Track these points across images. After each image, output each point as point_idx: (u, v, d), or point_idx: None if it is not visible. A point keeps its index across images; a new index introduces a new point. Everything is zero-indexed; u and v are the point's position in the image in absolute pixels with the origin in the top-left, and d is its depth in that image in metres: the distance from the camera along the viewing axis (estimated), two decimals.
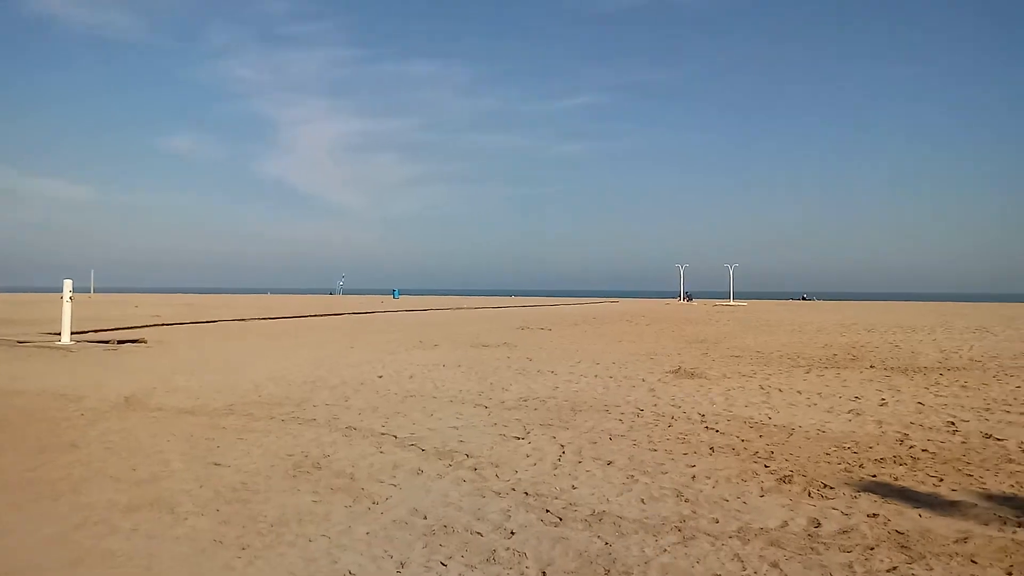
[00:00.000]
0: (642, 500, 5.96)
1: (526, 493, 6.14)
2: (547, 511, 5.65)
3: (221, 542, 4.99)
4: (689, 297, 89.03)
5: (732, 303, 75.58)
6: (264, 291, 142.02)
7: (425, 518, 5.50)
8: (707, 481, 6.53)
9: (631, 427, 8.95)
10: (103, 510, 5.64)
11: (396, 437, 8.35)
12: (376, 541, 5.01)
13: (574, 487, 6.33)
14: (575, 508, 5.73)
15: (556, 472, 6.84)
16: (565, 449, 7.77)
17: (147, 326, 28.31)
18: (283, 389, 11.95)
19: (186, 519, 5.46)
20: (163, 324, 29.96)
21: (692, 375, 13.95)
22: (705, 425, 9.07)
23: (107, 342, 20.40)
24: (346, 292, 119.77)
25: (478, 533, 5.16)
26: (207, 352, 18.74)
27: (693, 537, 5.06)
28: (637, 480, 6.56)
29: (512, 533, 5.16)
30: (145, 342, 20.57)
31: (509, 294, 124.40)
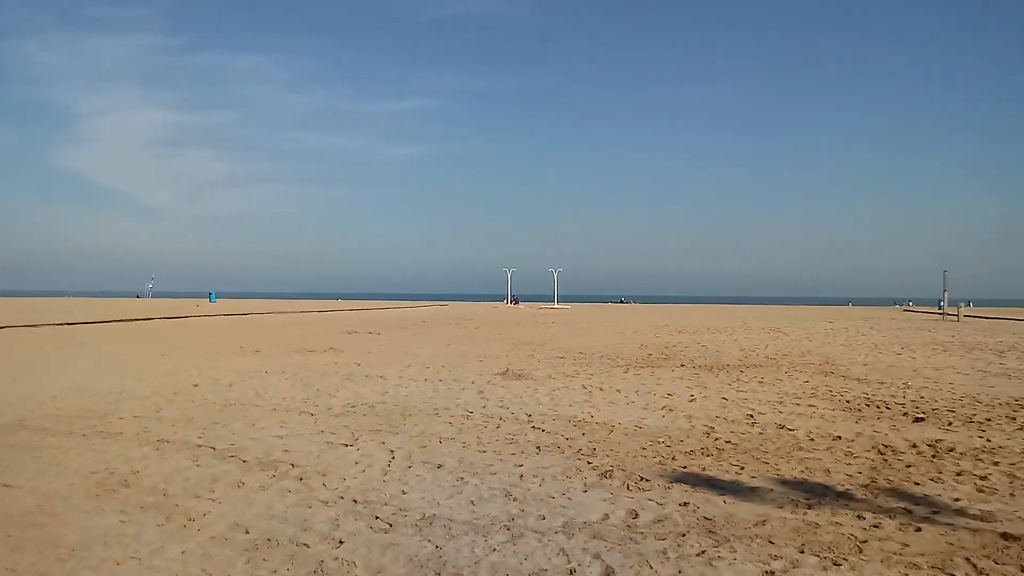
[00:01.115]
0: (472, 501, 6.03)
1: (355, 501, 6.03)
2: (376, 518, 5.57)
3: (14, 571, 4.49)
4: (516, 300, 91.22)
5: (556, 306, 78.32)
6: (63, 294, 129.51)
7: (247, 532, 5.24)
8: (534, 480, 6.72)
9: (461, 429, 9.03)
10: None
11: (215, 449, 7.91)
12: (193, 560, 4.71)
13: (404, 492, 6.29)
14: (405, 513, 5.70)
15: (386, 478, 6.76)
16: (395, 454, 7.71)
17: None
18: (85, 400, 10.95)
19: None
20: None
21: (519, 376, 14.30)
22: (532, 425, 9.32)
23: None
24: (156, 295, 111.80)
25: (304, 544, 5.00)
26: None
27: (521, 535, 5.18)
28: (467, 482, 6.63)
29: (340, 542, 5.04)
30: None
31: (335, 298, 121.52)
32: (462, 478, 6.76)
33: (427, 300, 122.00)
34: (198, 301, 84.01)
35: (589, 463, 7.36)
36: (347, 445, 8.14)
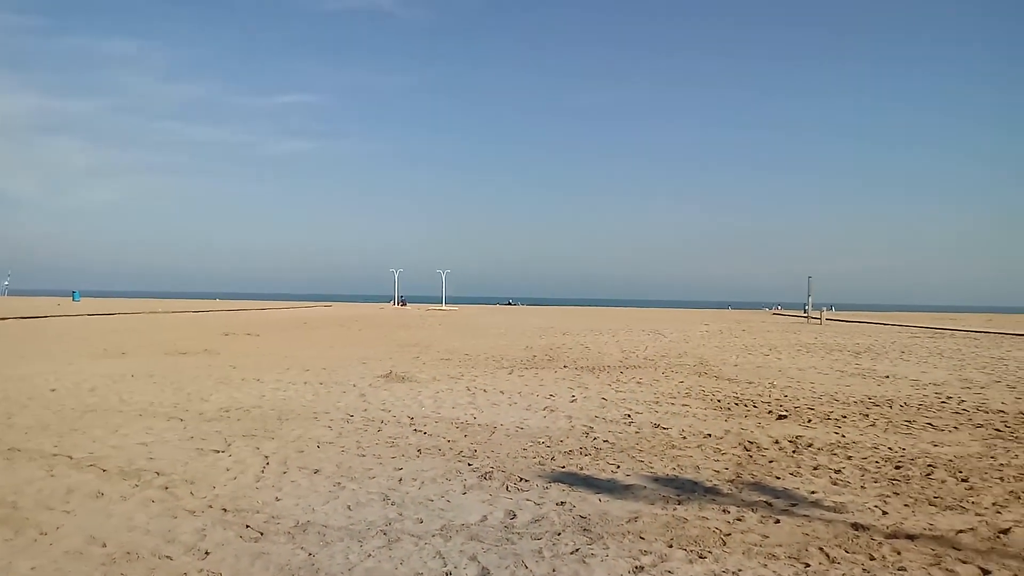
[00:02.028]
0: (348, 507, 5.91)
1: (224, 509, 5.78)
2: (247, 526, 5.37)
3: None
4: (403, 302, 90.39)
5: (444, 308, 78.18)
6: None
7: (104, 546, 4.93)
8: (414, 483, 6.66)
9: (340, 433, 8.84)
10: None
11: (72, 458, 7.40)
12: None
13: (278, 499, 6.09)
14: (278, 521, 5.51)
15: (259, 485, 6.53)
16: (269, 460, 7.45)
17: None
18: None
19: None
20: None
21: (403, 379, 14.16)
22: (414, 428, 9.25)
23: None
24: (12, 293, 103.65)
25: (167, 557, 4.75)
26: None
27: (398, 539, 5.12)
28: (344, 487, 6.49)
29: (207, 553, 4.82)
30: None
31: (213, 297, 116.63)
32: (339, 483, 6.61)
33: (311, 301, 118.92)
34: (60, 300, 78.36)
35: (470, 465, 7.37)
36: (218, 451, 7.80)
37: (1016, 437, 9.15)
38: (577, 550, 4.94)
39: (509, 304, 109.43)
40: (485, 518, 5.65)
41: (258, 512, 5.73)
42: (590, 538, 5.17)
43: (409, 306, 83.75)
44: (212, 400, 11.23)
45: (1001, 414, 10.89)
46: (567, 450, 8.11)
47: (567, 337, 28.54)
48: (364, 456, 7.70)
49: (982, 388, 13.97)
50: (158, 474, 6.84)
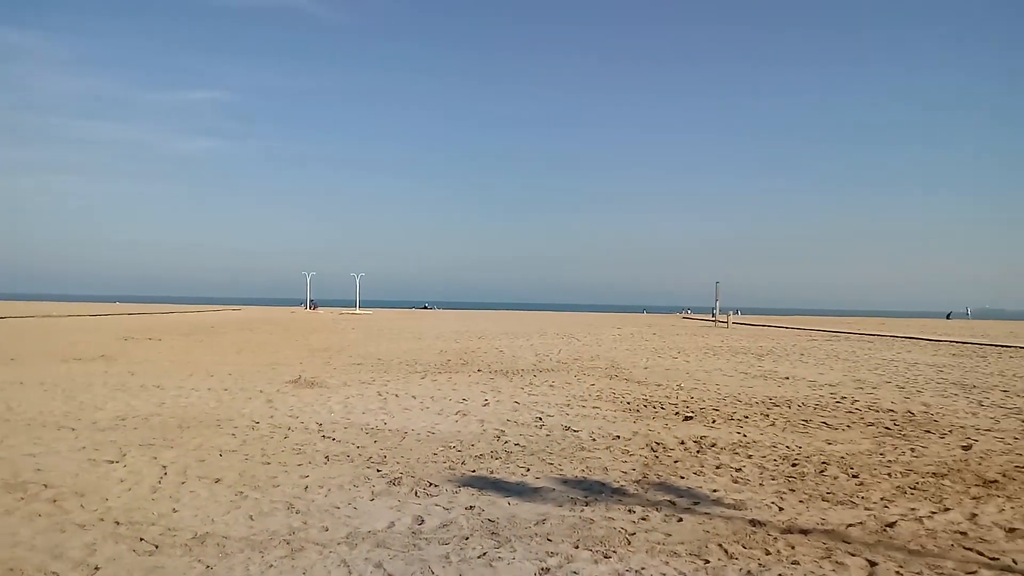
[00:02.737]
0: (251, 516, 5.73)
1: (117, 522, 5.52)
2: (141, 539, 5.13)
3: None
4: (315, 305, 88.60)
5: (358, 311, 77.03)
6: None
7: None
8: (320, 490, 6.52)
9: (244, 441, 8.57)
10: None
11: None
12: None
13: (175, 510, 5.86)
14: (174, 533, 5.30)
15: (155, 496, 6.26)
16: (168, 470, 7.16)
17: None
18: None
19: None
20: None
21: (312, 384, 13.86)
22: (322, 434, 9.06)
23: None
24: None
25: (54, 573, 4.50)
26: None
27: (301, 548, 5.00)
28: (247, 496, 6.30)
29: (97, 568, 4.58)
30: None
31: (112, 301, 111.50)
32: (241, 492, 6.41)
33: (218, 304, 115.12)
34: None
35: (379, 471, 7.27)
36: (112, 462, 7.44)
37: (903, 435, 9.68)
38: (485, 554, 4.94)
39: (425, 308, 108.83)
40: (392, 524, 5.58)
41: (153, 524, 5.49)
42: (498, 541, 5.18)
43: (320, 310, 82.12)
44: (107, 408, 10.71)
45: (891, 413, 11.51)
46: (478, 454, 8.11)
47: (482, 341, 28.57)
48: (269, 464, 7.49)
49: (874, 388, 14.73)
50: (46, 486, 6.47)
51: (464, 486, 6.72)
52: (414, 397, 12.45)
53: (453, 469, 7.39)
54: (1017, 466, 7.88)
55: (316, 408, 11.05)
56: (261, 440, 8.65)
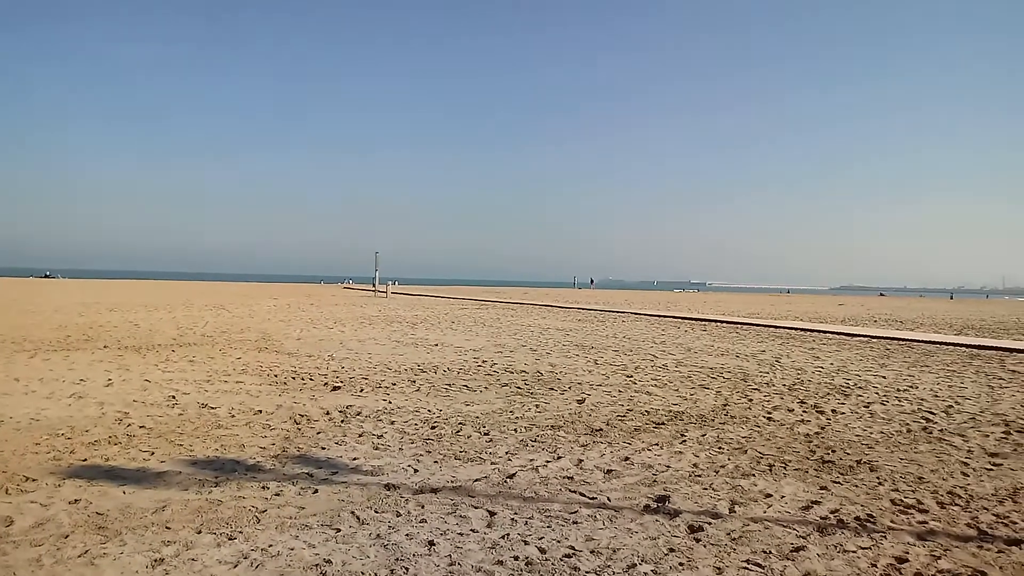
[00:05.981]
0: None
1: None
2: None
3: None
4: None
5: None
6: None
7: None
8: None
9: None
10: None
11: None
12: None
13: None
14: None
15: None
16: None
17: None
18: None
19: None
20: None
21: None
22: None
23: None
24: None
25: None
26: None
27: None
28: None
29: None
30: None
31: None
32: None
33: None
34: None
35: None
36: None
37: (532, 393, 10.67)
38: (87, 551, 4.35)
39: (47, 277, 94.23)
40: None
41: None
42: (105, 536, 4.61)
43: None
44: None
45: (523, 374, 12.63)
46: (92, 440, 7.17)
47: (114, 314, 25.54)
48: None
49: (511, 352, 16.08)
50: None
51: (70, 478, 5.88)
52: (17, 380, 10.66)
53: (58, 460, 6.44)
54: (619, 415, 9.13)
55: None
56: None
